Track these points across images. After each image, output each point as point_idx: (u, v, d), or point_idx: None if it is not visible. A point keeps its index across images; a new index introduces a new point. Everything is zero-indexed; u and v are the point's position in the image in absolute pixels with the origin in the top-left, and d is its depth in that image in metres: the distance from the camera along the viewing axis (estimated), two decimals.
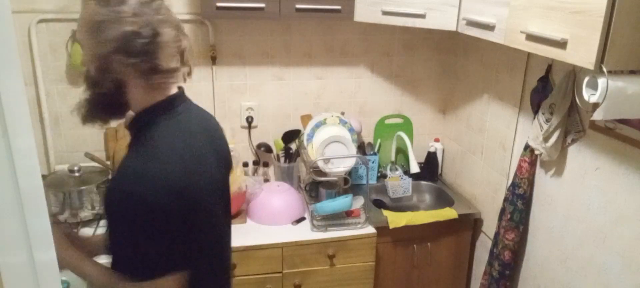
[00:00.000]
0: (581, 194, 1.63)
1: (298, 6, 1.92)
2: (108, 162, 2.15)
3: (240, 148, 2.36)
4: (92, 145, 2.19)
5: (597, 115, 1.22)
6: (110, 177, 1.98)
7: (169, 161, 1.05)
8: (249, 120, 2.33)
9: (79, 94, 1.16)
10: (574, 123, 1.62)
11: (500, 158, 2.07)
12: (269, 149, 2.34)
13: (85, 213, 1.87)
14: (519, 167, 1.80)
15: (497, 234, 1.93)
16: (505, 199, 1.88)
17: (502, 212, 1.90)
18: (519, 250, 1.91)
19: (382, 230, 2.05)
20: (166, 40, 1.05)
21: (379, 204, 2.31)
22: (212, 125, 1.27)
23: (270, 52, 2.27)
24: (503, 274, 1.91)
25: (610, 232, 1.51)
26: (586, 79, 1.25)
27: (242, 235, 1.95)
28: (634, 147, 1.41)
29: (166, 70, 1.07)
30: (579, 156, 1.63)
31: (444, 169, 2.57)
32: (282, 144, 2.31)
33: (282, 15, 1.93)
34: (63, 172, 1.95)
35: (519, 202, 1.82)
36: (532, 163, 1.79)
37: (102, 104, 1.12)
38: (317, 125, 2.13)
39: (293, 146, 2.33)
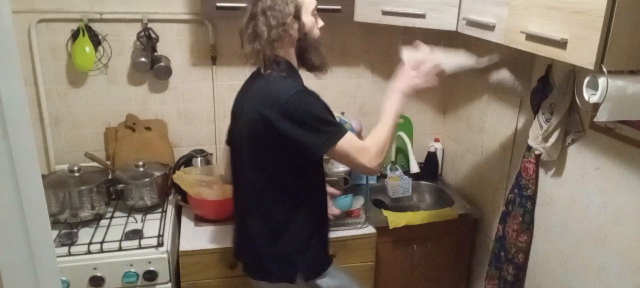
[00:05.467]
0: (581, 194, 1.62)
1: None
2: (108, 162, 2.15)
3: None
4: (92, 145, 2.19)
5: (601, 116, 1.21)
6: None
7: None
8: None
9: None
10: (574, 123, 1.62)
11: (500, 158, 2.07)
12: None
13: (85, 213, 1.87)
14: (525, 168, 1.79)
15: (502, 237, 1.92)
16: (510, 201, 1.87)
17: (506, 214, 1.89)
18: (528, 251, 1.91)
19: (382, 230, 2.05)
20: None
21: (379, 204, 2.31)
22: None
23: None
24: (517, 277, 1.90)
25: (610, 232, 1.51)
26: (587, 79, 1.25)
27: None
28: (634, 147, 1.41)
29: None
30: (579, 156, 1.63)
31: (444, 169, 2.57)
32: None
33: None
34: (63, 172, 1.95)
35: (528, 204, 1.81)
36: (536, 164, 1.79)
37: None
38: None
39: None
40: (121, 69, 2.14)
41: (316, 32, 1.52)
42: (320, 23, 1.55)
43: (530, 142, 1.75)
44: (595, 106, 1.23)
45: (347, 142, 1.39)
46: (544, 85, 1.73)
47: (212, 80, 2.25)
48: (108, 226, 1.88)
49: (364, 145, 1.42)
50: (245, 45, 1.46)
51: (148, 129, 2.21)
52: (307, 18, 1.47)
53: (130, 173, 2.00)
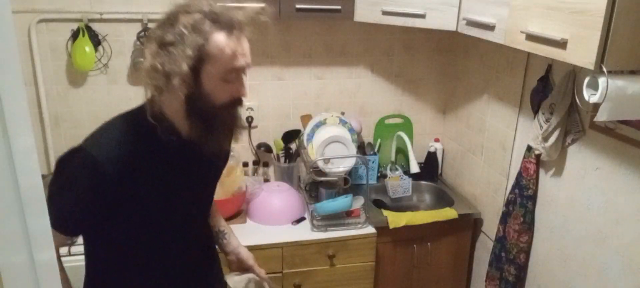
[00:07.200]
0: (581, 194, 1.62)
1: (298, 6, 1.92)
2: None
3: (240, 148, 2.36)
4: None
5: (600, 116, 1.22)
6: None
7: None
8: (249, 120, 2.33)
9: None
10: (574, 123, 1.62)
11: (500, 158, 2.07)
12: (269, 149, 2.34)
13: None
14: (525, 168, 1.79)
15: (502, 238, 1.92)
16: (511, 201, 1.87)
17: (507, 214, 1.89)
18: (529, 252, 1.91)
19: (382, 230, 2.05)
20: None
21: (379, 204, 2.31)
22: None
23: (270, 52, 2.27)
24: (518, 277, 1.90)
25: (610, 232, 1.51)
26: (587, 79, 1.25)
27: (242, 235, 1.94)
28: (634, 147, 1.41)
29: None
30: (579, 156, 1.63)
31: (444, 169, 2.57)
32: (282, 144, 2.31)
33: (282, 15, 1.93)
34: None
35: (529, 204, 1.81)
36: (537, 164, 1.79)
37: None
38: (317, 125, 2.13)
39: (293, 146, 2.33)
40: (121, 69, 2.14)
41: (221, 98, 1.10)
42: (243, 90, 1.12)
43: (530, 142, 1.75)
44: (595, 106, 1.23)
45: None
46: (544, 85, 1.73)
47: None
48: None
49: None
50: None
51: None
52: (210, 79, 1.07)
53: None
